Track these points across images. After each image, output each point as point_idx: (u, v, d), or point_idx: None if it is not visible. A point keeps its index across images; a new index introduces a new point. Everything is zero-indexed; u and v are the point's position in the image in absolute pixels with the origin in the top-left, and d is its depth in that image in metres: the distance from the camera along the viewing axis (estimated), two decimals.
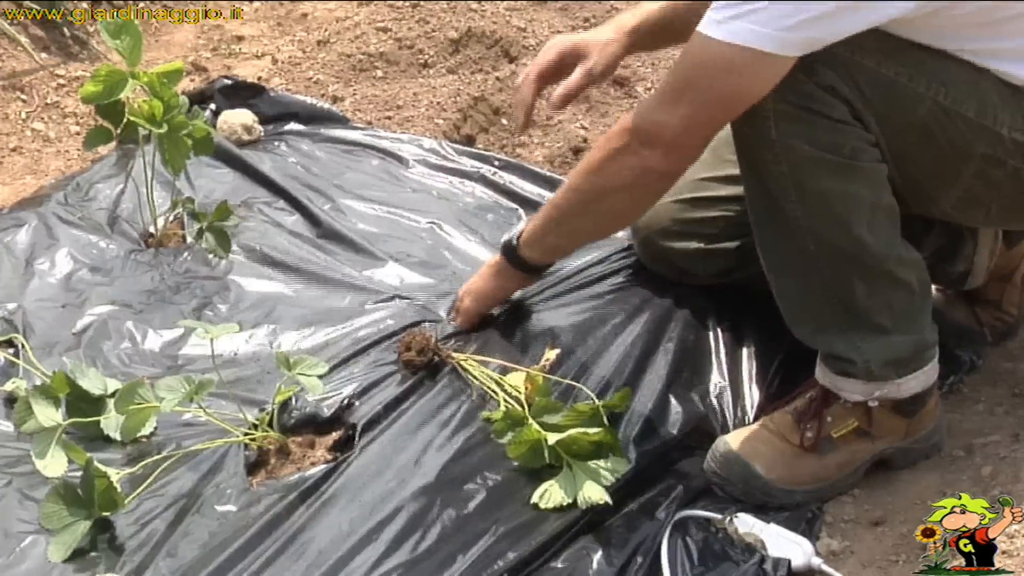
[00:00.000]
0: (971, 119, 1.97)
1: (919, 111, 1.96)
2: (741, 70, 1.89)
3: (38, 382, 2.24)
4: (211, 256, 2.62)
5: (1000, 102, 1.97)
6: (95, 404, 2.20)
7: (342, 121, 3.13)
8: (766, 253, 2.09)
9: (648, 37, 2.39)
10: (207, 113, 2.92)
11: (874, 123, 1.97)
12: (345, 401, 2.19)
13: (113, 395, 2.18)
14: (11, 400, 2.25)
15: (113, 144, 2.79)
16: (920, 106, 1.96)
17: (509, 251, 2.25)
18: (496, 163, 3.00)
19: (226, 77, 3.24)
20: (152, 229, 2.70)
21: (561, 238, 2.23)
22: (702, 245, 2.30)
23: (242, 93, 3.16)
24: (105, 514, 2.00)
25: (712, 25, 1.88)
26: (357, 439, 2.12)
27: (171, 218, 2.73)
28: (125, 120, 2.55)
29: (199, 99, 3.01)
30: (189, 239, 2.68)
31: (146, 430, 2.14)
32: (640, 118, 2.01)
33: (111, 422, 2.16)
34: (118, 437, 2.15)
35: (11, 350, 2.37)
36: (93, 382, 2.21)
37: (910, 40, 1.94)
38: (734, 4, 1.86)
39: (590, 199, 2.11)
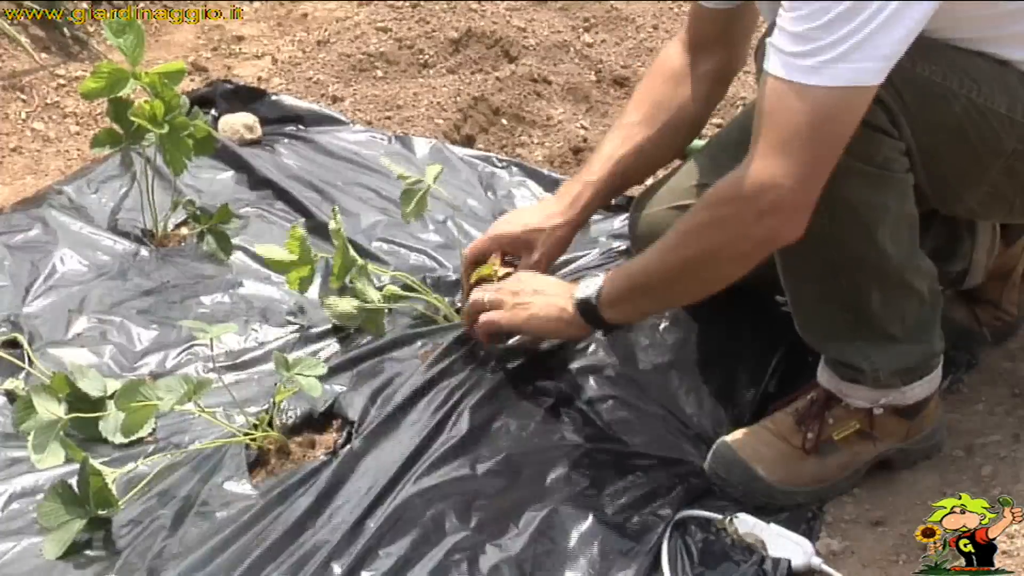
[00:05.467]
0: (1003, 115, 1.96)
1: (954, 109, 1.95)
2: (853, 110, 1.84)
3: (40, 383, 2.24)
4: (213, 257, 2.63)
5: None
6: (94, 405, 2.20)
7: (344, 124, 3.13)
8: (785, 258, 2.07)
9: (600, 203, 2.39)
10: (209, 116, 2.93)
11: (908, 125, 1.94)
12: (341, 397, 2.20)
13: (112, 397, 2.18)
14: (12, 400, 2.25)
15: None
16: (955, 104, 1.95)
17: (587, 309, 2.14)
18: (498, 163, 2.99)
19: (227, 81, 3.23)
20: (154, 229, 2.70)
21: (654, 303, 2.17)
22: None
23: (243, 97, 3.15)
24: (101, 513, 2.00)
25: (807, 72, 1.81)
26: (353, 435, 2.13)
27: (172, 218, 2.73)
28: (136, 125, 2.55)
29: (201, 102, 3.01)
30: (191, 239, 2.68)
31: (145, 430, 2.13)
32: (755, 186, 1.89)
33: (110, 424, 2.16)
34: (117, 439, 2.14)
35: (16, 351, 2.36)
36: (93, 383, 2.21)
37: (936, 37, 1.92)
38: (822, 44, 1.79)
39: (696, 268, 2.02)
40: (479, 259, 2.34)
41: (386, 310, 2.38)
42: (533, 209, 2.42)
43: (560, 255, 2.38)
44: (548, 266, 2.35)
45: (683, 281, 2.07)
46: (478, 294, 2.24)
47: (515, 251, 2.33)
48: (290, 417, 2.18)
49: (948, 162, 2.01)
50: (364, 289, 2.35)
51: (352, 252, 2.38)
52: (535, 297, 2.20)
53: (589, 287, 2.14)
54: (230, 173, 2.93)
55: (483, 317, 2.21)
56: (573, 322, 2.16)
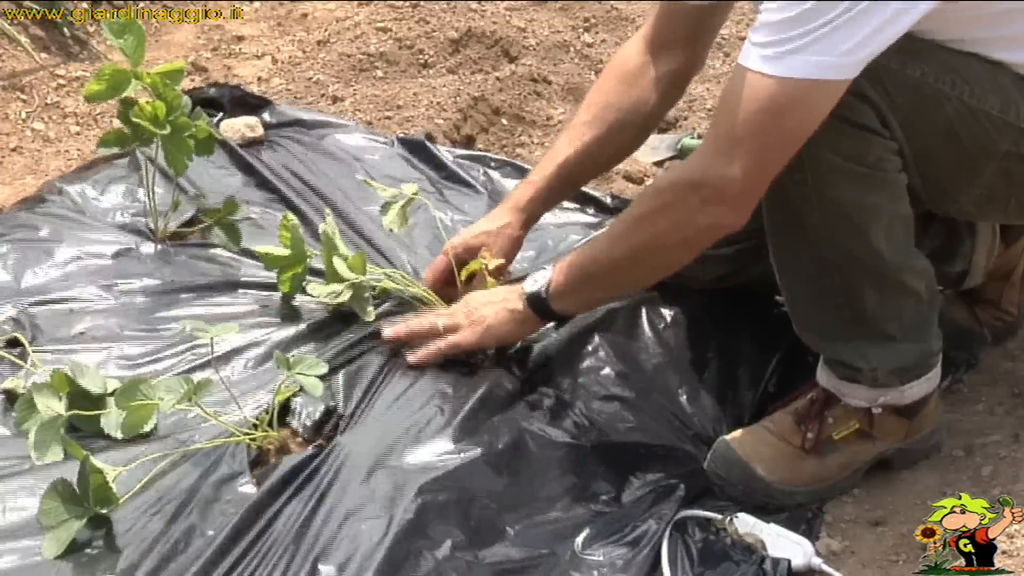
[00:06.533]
0: (995, 116, 1.96)
1: (945, 111, 1.95)
2: (808, 105, 1.84)
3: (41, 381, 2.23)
4: (213, 254, 2.63)
5: (1020, 97, 1.97)
6: (95, 403, 2.20)
7: (347, 127, 3.11)
8: (780, 258, 2.08)
9: (545, 203, 2.40)
10: (214, 120, 2.93)
11: (899, 126, 1.95)
12: (335, 392, 2.21)
13: (113, 394, 2.18)
14: (12, 400, 2.25)
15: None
16: (946, 105, 1.95)
17: (538, 303, 2.17)
18: (492, 163, 2.99)
19: (235, 87, 3.22)
20: (156, 228, 2.70)
21: (604, 291, 2.19)
22: None
23: (250, 106, 3.14)
24: (102, 511, 2.00)
25: (765, 62, 1.83)
26: (342, 427, 2.14)
27: (174, 217, 2.72)
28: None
29: (205, 103, 2.99)
30: (191, 238, 2.68)
31: (147, 428, 2.14)
32: (699, 173, 1.94)
33: (111, 420, 2.16)
34: (118, 435, 2.15)
35: (16, 349, 2.36)
36: (93, 381, 2.21)
37: (928, 39, 1.93)
38: (785, 36, 1.81)
39: (643, 255, 2.06)
40: (440, 278, 2.37)
41: (371, 292, 2.40)
42: (484, 218, 2.46)
43: (515, 254, 2.39)
44: (506, 263, 2.37)
45: (630, 268, 2.09)
46: (431, 320, 2.26)
47: (470, 257, 2.35)
48: (309, 416, 2.18)
49: (941, 164, 2.01)
50: (340, 268, 2.36)
51: (343, 251, 2.38)
52: (486, 308, 2.22)
53: (538, 281, 2.17)
54: (232, 172, 2.92)
55: (444, 342, 2.22)
56: (526, 319, 2.19)
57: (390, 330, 2.29)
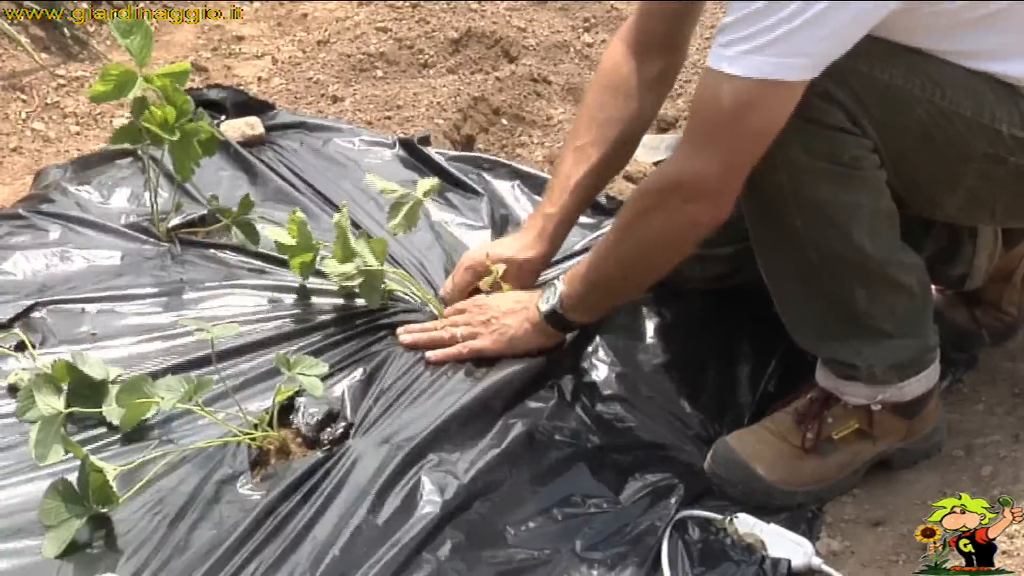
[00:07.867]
0: (969, 118, 1.96)
1: (916, 113, 1.95)
2: (771, 103, 1.87)
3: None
4: (218, 255, 2.63)
5: (996, 99, 1.97)
6: (97, 390, 2.20)
7: (349, 130, 3.11)
8: (765, 262, 2.09)
9: (566, 229, 2.41)
10: (216, 122, 2.92)
11: (872, 128, 1.95)
12: (343, 398, 2.22)
13: (115, 381, 2.19)
14: (14, 391, 2.25)
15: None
16: (917, 108, 1.95)
17: (556, 319, 2.22)
18: (485, 165, 2.97)
19: (235, 89, 3.21)
20: (157, 229, 2.70)
21: (612, 297, 2.24)
22: (697, 251, 2.28)
23: (250, 106, 3.14)
24: (102, 510, 2.00)
25: (727, 61, 1.85)
26: (352, 432, 2.14)
27: (176, 218, 2.72)
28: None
29: (205, 105, 2.98)
30: (197, 238, 2.68)
31: (148, 415, 2.15)
32: (676, 173, 1.98)
33: (113, 410, 2.17)
34: (118, 423, 2.15)
35: (25, 352, 2.36)
36: (95, 368, 2.21)
37: (900, 43, 1.93)
38: (745, 35, 1.83)
39: (636, 259, 2.11)
40: (463, 297, 2.38)
41: (384, 283, 2.40)
42: (504, 241, 2.47)
43: (532, 284, 2.40)
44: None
45: (626, 273, 2.15)
46: (449, 330, 2.29)
47: (487, 273, 2.36)
48: (310, 416, 2.18)
49: (919, 167, 2.01)
50: (363, 252, 2.36)
51: (352, 243, 2.38)
52: (507, 318, 2.27)
53: (550, 299, 2.22)
54: (233, 173, 2.92)
55: (466, 348, 2.26)
56: (549, 333, 2.25)
57: (409, 337, 2.32)
